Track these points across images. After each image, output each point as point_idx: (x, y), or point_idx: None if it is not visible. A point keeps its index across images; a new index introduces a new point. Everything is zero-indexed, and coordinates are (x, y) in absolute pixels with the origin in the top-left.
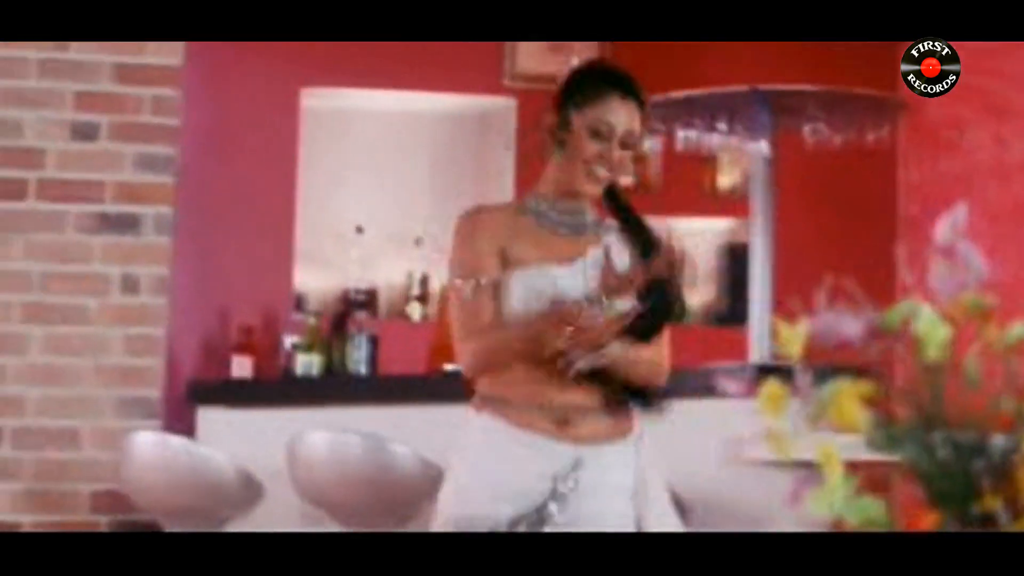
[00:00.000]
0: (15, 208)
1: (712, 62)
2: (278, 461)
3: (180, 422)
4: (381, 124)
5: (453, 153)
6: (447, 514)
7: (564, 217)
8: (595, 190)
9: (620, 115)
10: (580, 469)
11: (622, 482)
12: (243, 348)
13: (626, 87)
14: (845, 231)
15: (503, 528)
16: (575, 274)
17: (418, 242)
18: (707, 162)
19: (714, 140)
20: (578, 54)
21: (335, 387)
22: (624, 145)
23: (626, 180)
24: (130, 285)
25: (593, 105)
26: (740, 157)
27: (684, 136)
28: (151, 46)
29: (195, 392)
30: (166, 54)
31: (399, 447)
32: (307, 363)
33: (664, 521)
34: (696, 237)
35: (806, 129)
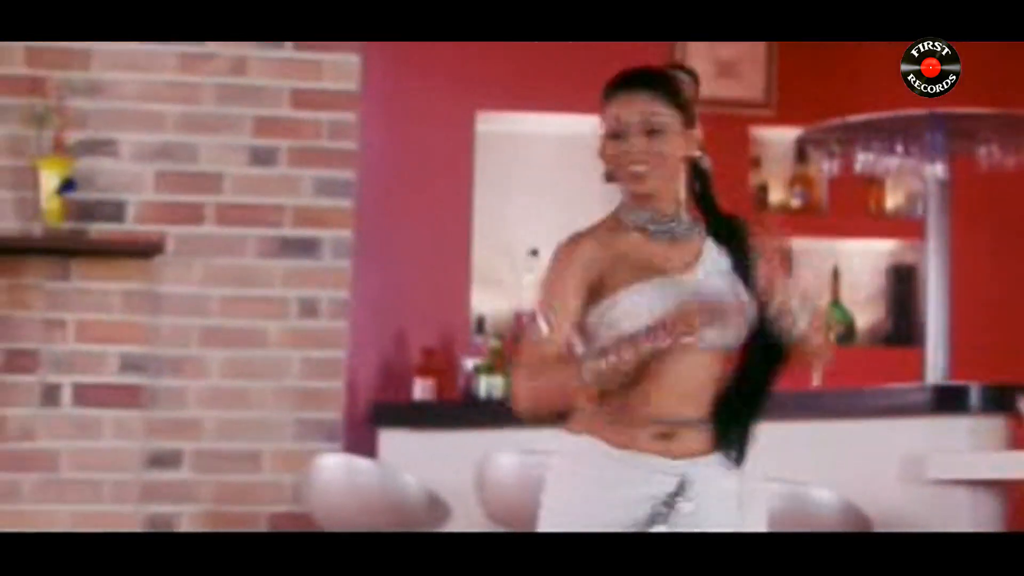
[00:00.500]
0: (194, 233)
1: (889, 85)
2: (462, 482)
3: (360, 444)
4: (553, 147)
5: None
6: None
7: (660, 226)
8: (642, 188)
9: (631, 108)
10: (686, 489)
11: (729, 495)
12: (425, 371)
13: (631, 81)
14: (1018, 253)
15: None
16: (698, 281)
17: None
18: (873, 184)
19: (891, 163)
20: (745, 77)
21: None
22: (650, 133)
23: (794, 202)
24: (309, 309)
25: (605, 110)
26: (905, 179)
27: (863, 159)
28: (328, 71)
29: (378, 414)
30: (343, 79)
31: None
32: (490, 385)
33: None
34: (862, 258)
35: (980, 152)
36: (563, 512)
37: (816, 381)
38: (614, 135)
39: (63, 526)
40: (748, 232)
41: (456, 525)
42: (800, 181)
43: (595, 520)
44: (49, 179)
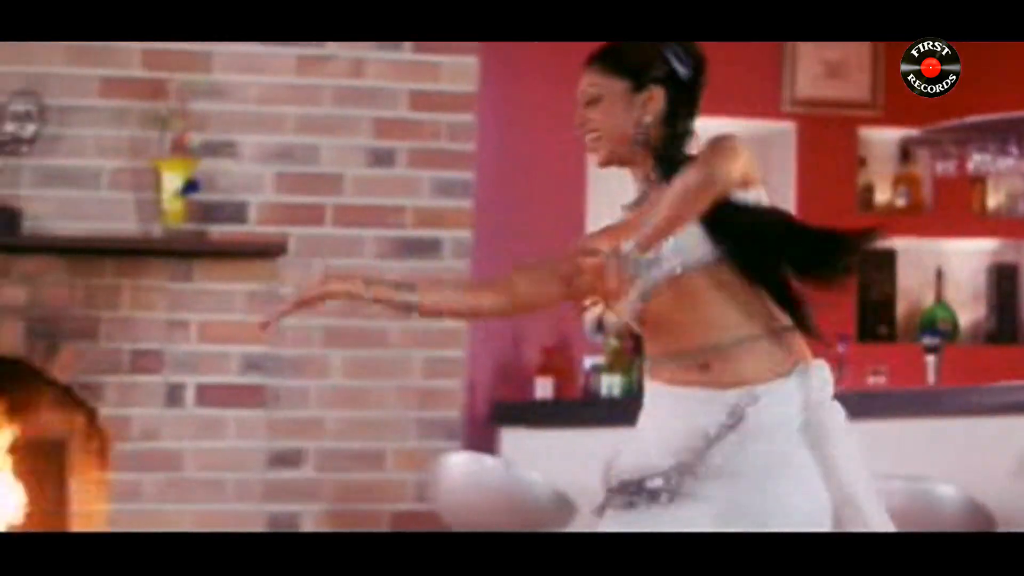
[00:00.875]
0: (314, 233)
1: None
2: (584, 479)
3: (480, 443)
4: None
5: None
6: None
7: (636, 193)
8: (597, 156)
9: (583, 82)
10: (737, 416)
11: (786, 421)
12: (545, 370)
13: (590, 58)
14: None
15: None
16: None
17: None
18: (976, 183)
19: (1005, 163)
20: (852, 78)
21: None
22: (588, 103)
23: (899, 202)
24: None
25: None
26: (1007, 178)
27: (979, 159)
28: (446, 73)
29: (499, 413)
30: (460, 81)
31: None
32: (610, 383)
33: (850, 466)
34: (965, 257)
35: None
36: (632, 452)
37: None
38: (578, 107)
39: (186, 526)
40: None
41: (582, 523)
42: (905, 181)
43: (663, 446)
44: (171, 180)
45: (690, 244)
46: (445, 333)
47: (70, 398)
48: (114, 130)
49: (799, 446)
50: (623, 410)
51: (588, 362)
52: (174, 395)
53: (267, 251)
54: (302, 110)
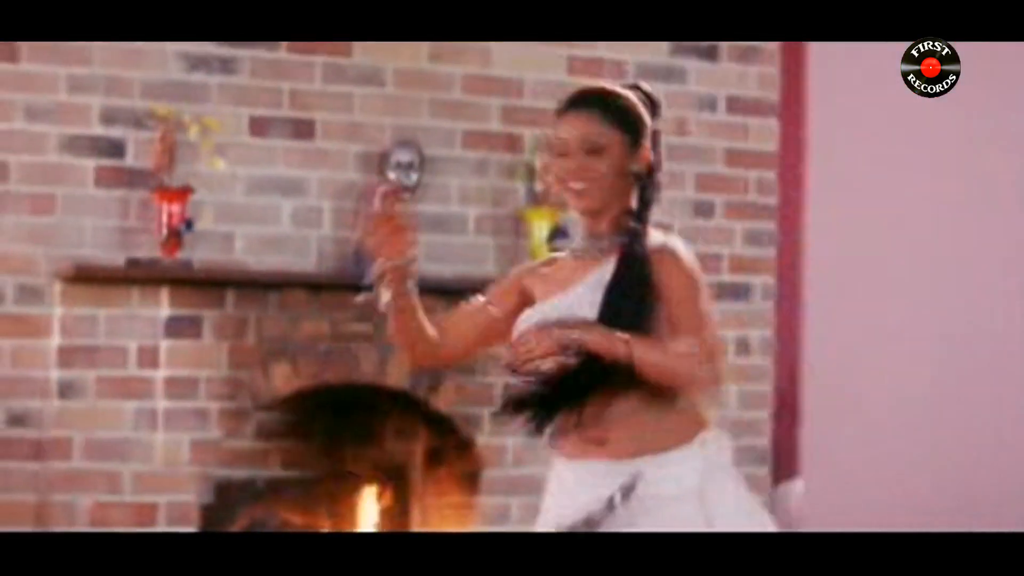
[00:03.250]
0: None
1: None
2: None
3: (789, 469)
4: None
5: None
6: None
7: (589, 243)
8: (580, 204)
9: (574, 127)
10: (635, 487)
11: (684, 489)
12: None
13: (576, 101)
14: None
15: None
16: (570, 302)
17: None
18: None
19: None
20: None
21: None
22: (590, 152)
23: None
24: (743, 346)
25: (555, 129)
26: None
27: None
28: (753, 133)
29: None
30: (765, 141)
31: None
32: None
33: (733, 521)
34: None
35: None
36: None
37: None
38: (559, 154)
39: None
40: (642, 254)
41: None
42: None
43: (572, 507)
44: (539, 228)
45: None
46: (755, 369)
47: (426, 426)
48: (476, 179)
49: (693, 512)
50: None
51: None
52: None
53: None
54: None
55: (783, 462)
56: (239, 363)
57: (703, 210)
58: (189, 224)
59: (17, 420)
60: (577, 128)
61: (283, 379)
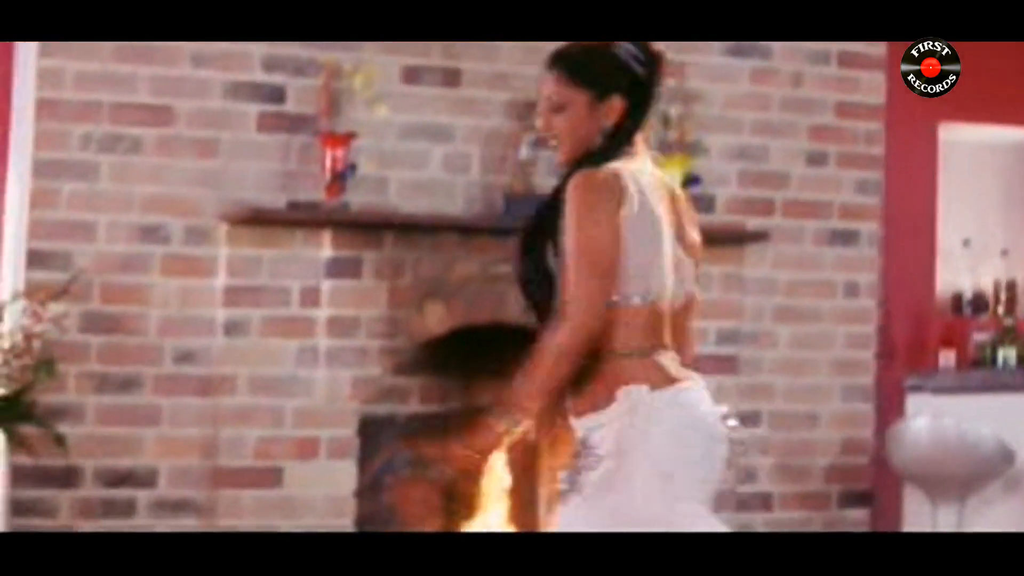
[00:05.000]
0: (765, 224)
1: None
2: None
3: (891, 407)
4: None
5: None
6: None
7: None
8: (559, 158)
9: (542, 87)
10: (586, 444)
11: (607, 450)
12: (946, 342)
13: (548, 61)
14: None
15: None
16: None
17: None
18: None
19: None
20: None
21: None
22: (554, 110)
23: None
24: (851, 290)
25: None
26: None
27: None
28: (863, 86)
29: (910, 382)
30: (875, 94)
31: None
32: (1005, 355)
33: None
34: None
35: None
36: None
37: None
38: (538, 112)
39: None
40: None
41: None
42: None
43: None
44: (673, 176)
45: None
46: (861, 312)
47: None
48: None
49: (615, 472)
50: (1015, 380)
51: (977, 337)
52: None
53: (736, 238)
54: (756, 115)
55: (886, 401)
56: (397, 303)
57: (816, 159)
58: (353, 168)
59: (185, 358)
60: (544, 88)
61: (436, 319)
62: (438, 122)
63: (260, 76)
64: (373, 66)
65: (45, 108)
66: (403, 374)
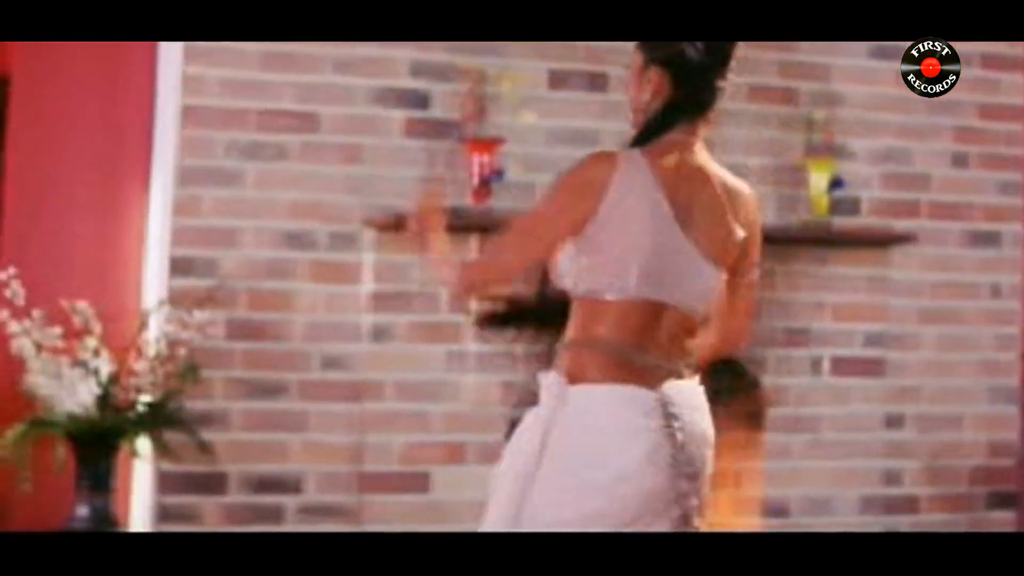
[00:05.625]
0: (908, 225)
1: None
2: None
3: None
4: None
5: None
6: None
7: None
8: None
9: None
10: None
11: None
12: None
13: None
14: None
15: None
16: None
17: None
18: None
19: None
20: None
21: None
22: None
23: None
24: (994, 291)
25: None
26: None
27: None
28: (1004, 88)
29: None
30: (1016, 95)
31: None
32: None
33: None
34: None
35: None
36: None
37: None
38: None
39: (823, 484)
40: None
41: None
42: None
43: None
44: (818, 179)
45: None
46: (1006, 313)
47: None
48: (757, 131)
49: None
50: None
51: None
52: (816, 366)
53: (881, 241)
54: (901, 118)
55: None
56: None
57: (959, 161)
58: (500, 174)
59: (332, 363)
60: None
61: None
62: (584, 127)
63: (405, 82)
64: (519, 71)
65: (190, 115)
66: None
